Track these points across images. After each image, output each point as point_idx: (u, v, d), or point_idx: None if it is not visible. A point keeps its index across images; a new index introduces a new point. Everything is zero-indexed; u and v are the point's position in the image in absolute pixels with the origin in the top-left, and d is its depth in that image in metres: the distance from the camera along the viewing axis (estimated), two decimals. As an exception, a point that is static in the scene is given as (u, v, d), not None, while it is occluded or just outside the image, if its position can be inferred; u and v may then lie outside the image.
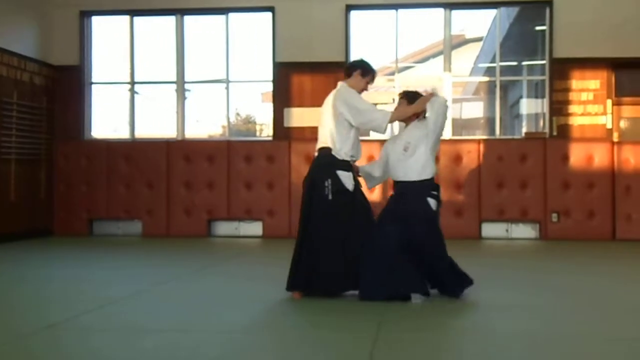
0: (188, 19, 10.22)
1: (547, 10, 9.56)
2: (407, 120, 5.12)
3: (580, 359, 3.50)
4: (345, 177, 4.90)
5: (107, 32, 10.73)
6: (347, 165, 4.95)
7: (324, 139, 4.99)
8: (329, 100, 5.11)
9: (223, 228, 9.80)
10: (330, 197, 4.83)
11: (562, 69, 9.48)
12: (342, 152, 4.93)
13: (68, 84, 10.05)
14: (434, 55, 15.17)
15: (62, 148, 9.93)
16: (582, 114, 9.44)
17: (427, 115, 4.95)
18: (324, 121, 5.04)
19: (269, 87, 10.03)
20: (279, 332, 4.08)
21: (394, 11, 9.83)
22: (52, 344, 3.76)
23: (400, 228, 4.84)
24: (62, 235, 9.69)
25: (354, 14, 9.91)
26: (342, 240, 4.85)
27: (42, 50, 9.86)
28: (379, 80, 15.84)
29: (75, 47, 10.12)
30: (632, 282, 5.89)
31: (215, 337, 3.86)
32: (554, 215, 9.20)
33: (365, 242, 4.84)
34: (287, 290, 4.96)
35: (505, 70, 11.59)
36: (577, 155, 9.21)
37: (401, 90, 5.35)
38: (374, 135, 9.31)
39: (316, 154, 5.10)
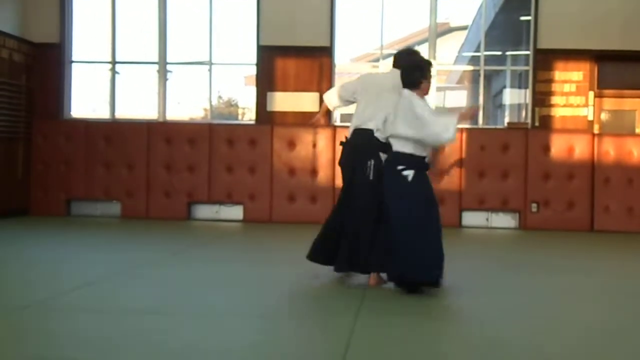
0: (171, -1, 10.08)
1: (532, 1, 9.56)
2: None
3: (563, 342, 3.53)
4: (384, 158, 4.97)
5: (88, 10, 10.54)
6: (386, 147, 4.99)
7: (369, 121, 5.01)
8: (390, 87, 5.02)
9: (203, 211, 9.73)
10: (371, 177, 4.88)
11: (545, 59, 9.50)
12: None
13: (48, 62, 9.87)
14: (419, 43, 15.14)
15: (40, 127, 9.78)
16: (564, 105, 9.50)
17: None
18: (376, 104, 5.01)
19: (253, 70, 9.94)
20: (256, 315, 4.05)
21: (379, -3, 9.78)
22: (30, 323, 3.71)
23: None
24: (38, 216, 9.57)
25: (339, -2, 9.84)
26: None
27: (22, 26, 9.68)
28: (363, 66, 15.79)
29: (55, 24, 9.94)
30: (607, 272, 5.96)
31: (193, 320, 3.83)
32: (534, 205, 9.26)
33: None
34: (343, 271, 4.96)
35: (489, 60, 11.61)
36: (558, 146, 9.26)
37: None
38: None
39: (351, 134, 5.12)
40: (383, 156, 4.93)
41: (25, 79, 9.65)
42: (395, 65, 5.17)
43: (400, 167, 4.67)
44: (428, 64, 4.94)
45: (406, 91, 4.77)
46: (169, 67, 10.14)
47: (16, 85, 9.45)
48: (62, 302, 4.22)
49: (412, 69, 4.83)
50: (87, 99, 11.61)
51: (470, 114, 5.25)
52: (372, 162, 4.92)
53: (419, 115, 4.67)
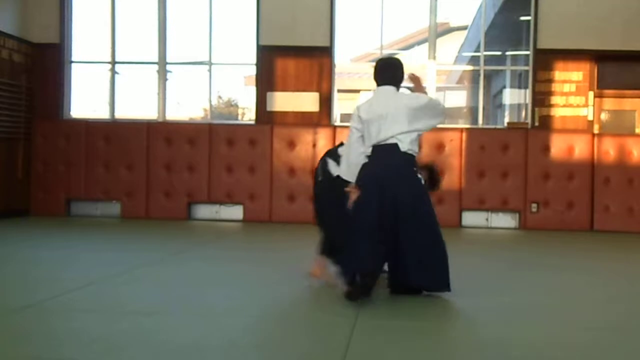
0: (171, -1, 10.08)
1: (532, 1, 9.56)
2: None
3: (563, 344, 3.53)
4: (332, 165, 4.94)
5: (88, 10, 10.55)
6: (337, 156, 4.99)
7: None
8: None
9: (203, 211, 9.74)
10: (319, 177, 4.98)
11: (545, 59, 9.51)
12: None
13: (48, 62, 9.88)
14: (419, 43, 15.15)
15: (40, 127, 9.78)
16: (564, 106, 9.50)
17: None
18: None
19: (252, 70, 9.95)
20: (256, 315, 4.05)
21: (379, -3, 9.78)
22: (30, 324, 3.70)
23: None
24: (38, 216, 9.57)
25: (339, -2, 9.84)
26: None
27: (22, 27, 9.68)
28: (362, 66, 15.77)
29: (55, 24, 9.94)
30: (607, 272, 5.96)
31: (193, 320, 3.83)
32: (534, 205, 9.26)
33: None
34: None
35: (489, 60, 11.62)
36: (558, 146, 9.27)
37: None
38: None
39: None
40: (331, 162, 4.94)
41: (25, 79, 9.65)
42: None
43: (415, 169, 4.52)
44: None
45: (392, 88, 4.59)
46: (168, 67, 10.15)
47: (16, 86, 9.45)
48: (62, 302, 4.22)
49: (399, 67, 4.65)
50: (87, 99, 11.61)
51: (416, 81, 4.93)
52: (320, 162, 5.02)
53: (430, 104, 4.54)
